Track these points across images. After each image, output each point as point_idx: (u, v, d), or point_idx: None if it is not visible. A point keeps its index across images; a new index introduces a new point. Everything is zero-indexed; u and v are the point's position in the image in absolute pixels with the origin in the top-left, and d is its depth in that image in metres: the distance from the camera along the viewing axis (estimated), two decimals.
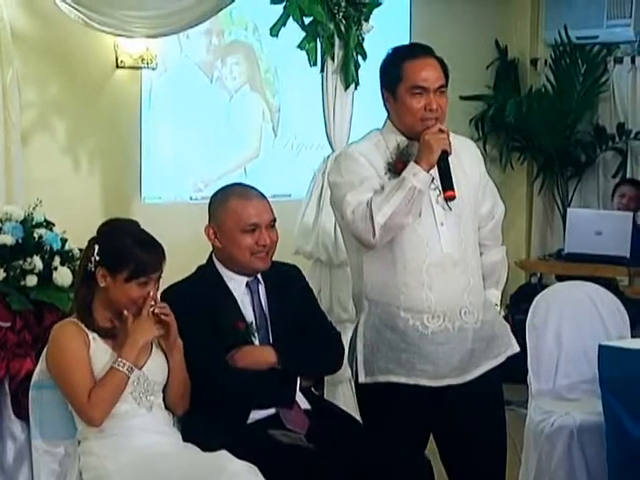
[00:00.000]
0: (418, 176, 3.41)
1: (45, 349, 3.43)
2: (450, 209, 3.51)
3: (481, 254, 3.68)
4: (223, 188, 3.71)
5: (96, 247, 3.34)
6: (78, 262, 3.61)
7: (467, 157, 3.65)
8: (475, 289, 3.58)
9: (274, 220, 3.63)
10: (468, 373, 3.58)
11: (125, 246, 3.32)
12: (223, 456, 3.21)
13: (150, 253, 3.34)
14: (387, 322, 3.55)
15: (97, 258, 3.32)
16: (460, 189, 3.50)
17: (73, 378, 3.28)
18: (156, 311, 3.35)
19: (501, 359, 3.67)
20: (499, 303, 3.77)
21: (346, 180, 3.53)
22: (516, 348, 3.74)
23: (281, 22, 5.11)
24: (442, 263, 3.50)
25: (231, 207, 3.57)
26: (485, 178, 3.72)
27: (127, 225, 3.47)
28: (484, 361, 3.61)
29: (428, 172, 3.43)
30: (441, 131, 3.46)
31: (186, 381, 3.45)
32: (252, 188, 3.68)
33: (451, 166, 3.48)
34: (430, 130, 3.46)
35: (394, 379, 3.55)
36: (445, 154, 3.45)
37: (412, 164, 3.44)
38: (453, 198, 3.46)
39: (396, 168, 3.50)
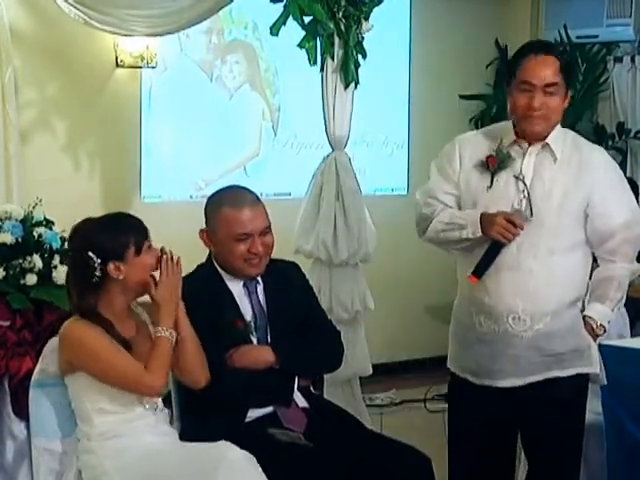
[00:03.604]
0: (475, 234, 3.51)
1: (58, 350, 3.34)
2: (532, 215, 3.51)
3: (599, 266, 3.64)
4: (217, 193, 3.68)
5: (90, 254, 3.26)
6: (69, 282, 3.39)
7: (579, 168, 3.56)
8: (534, 297, 3.53)
9: (268, 227, 3.60)
10: (518, 378, 3.58)
11: (111, 228, 3.30)
12: (222, 445, 3.19)
13: (132, 218, 3.35)
14: (460, 315, 3.70)
15: (99, 260, 3.26)
16: (551, 200, 3.51)
17: (114, 359, 3.22)
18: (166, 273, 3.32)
19: (569, 372, 3.60)
20: (598, 318, 3.60)
21: (435, 167, 3.70)
22: (594, 369, 3.66)
23: (281, 21, 5.12)
24: (498, 265, 3.52)
25: (223, 215, 3.55)
26: (608, 190, 3.58)
27: (89, 222, 3.36)
28: (543, 370, 3.58)
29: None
30: (512, 223, 3.47)
31: (199, 347, 3.40)
32: (247, 192, 3.65)
33: (550, 171, 3.52)
34: (503, 217, 3.48)
35: (453, 369, 3.72)
36: (497, 243, 3.49)
37: (477, 218, 3.51)
38: (473, 283, 3.54)
39: (486, 162, 3.57)
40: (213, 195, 3.68)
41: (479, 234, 3.51)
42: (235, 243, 3.54)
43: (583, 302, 3.67)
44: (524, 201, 3.52)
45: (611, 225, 3.59)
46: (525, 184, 3.53)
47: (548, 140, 3.57)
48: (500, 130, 3.65)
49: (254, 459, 3.18)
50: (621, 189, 3.66)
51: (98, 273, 3.26)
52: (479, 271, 3.52)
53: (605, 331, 3.66)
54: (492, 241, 3.50)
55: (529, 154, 3.57)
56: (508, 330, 3.54)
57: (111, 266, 3.26)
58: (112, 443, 3.27)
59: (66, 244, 4.34)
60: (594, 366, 3.67)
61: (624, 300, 3.70)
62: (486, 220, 3.50)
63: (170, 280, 3.31)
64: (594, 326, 3.62)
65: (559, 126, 3.62)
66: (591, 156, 3.62)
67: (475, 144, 3.64)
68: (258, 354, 3.53)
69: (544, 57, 3.53)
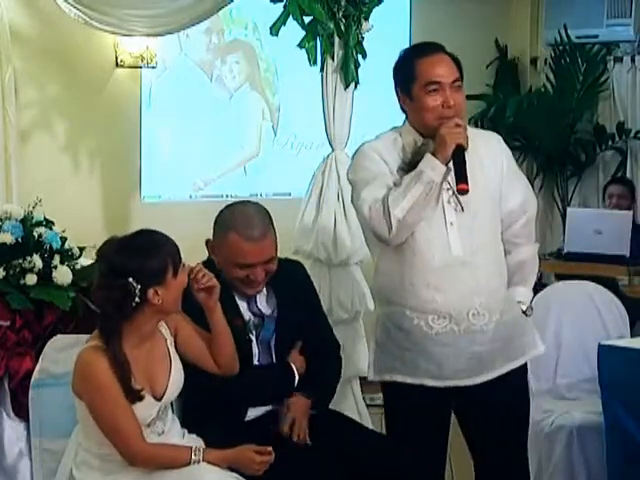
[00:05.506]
0: (436, 170, 3.39)
1: (73, 371, 3.16)
2: (462, 209, 3.47)
3: (509, 252, 3.63)
4: (231, 208, 3.59)
5: (130, 280, 3.05)
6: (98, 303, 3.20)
7: (487, 152, 3.59)
8: (487, 290, 3.51)
9: (272, 257, 3.54)
10: (479, 375, 3.53)
11: (150, 252, 3.12)
12: (200, 468, 3.10)
13: (166, 238, 3.19)
14: (395, 321, 3.55)
15: (139, 286, 3.06)
16: (477, 187, 3.46)
17: (118, 415, 3.07)
18: (202, 287, 3.26)
19: (522, 360, 3.61)
20: (526, 300, 3.67)
21: (360, 177, 3.54)
22: (540, 349, 3.69)
23: (281, 21, 5.11)
24: (450, 265, 3.46)
25: (229, 240, 3.49)
26: (512, 172, 3.64)
27: (120, 244, 3.16)
28: (501, 363, 3.55)
29: (445, 166, 3.40)
30: (457, 125, 3.44)
31: (232, 340, 3.35)
32: (259, 219, 3.54)
33: (467, 162, 3.43)
34: (446, 124, 3.44)
35: (399, 378, 3.55)
36: (460, 148, 3.41)
37: (429, 156, 3.41)
38: (466, 192, 3.39)
39: (412, 166, 3.47)
40: (226, 209, 3.60)
41: (440, 165, 3.38)
42: (235, 268, 3.51)
43: None
44: (452, 197, 3.47)
45: (514, 207, 3.61)
46: (449, 182, 3.46)
47: None
48: (401, 136, 3.61)
49: (238, 477, 3.12)
50: (518, 169, 3.71)
51: (137, 300, 3.07)
52: (463, 178, 3.38)
53: (532, 311, 3.69)
54: (454, 151, 3.39)
55: None
56: (470, 327, 3.48)
57: (151, 292, 3.08)
58: (110, 464, 3.17)
59: (66, 244, 4.37)
60: (540, 346, 3.70)
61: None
62: (438, 143, 3.40)
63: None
64: (524, 308, 3.65)
65: None
66: (491, 142, 3.65)
67: (382, 151, 3.58)
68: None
69: (441, 55, 3.57)
